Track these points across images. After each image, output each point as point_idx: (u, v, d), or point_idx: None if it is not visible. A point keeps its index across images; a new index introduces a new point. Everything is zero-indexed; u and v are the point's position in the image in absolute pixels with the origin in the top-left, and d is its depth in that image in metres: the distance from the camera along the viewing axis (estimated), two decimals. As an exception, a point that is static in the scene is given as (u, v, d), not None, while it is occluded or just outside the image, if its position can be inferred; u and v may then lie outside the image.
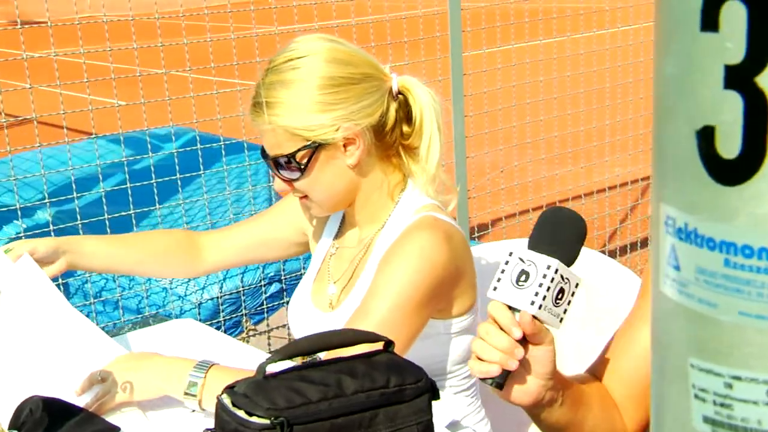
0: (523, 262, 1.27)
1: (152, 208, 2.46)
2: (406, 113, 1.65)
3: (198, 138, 2.58)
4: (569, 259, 1.28)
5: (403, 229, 1.60)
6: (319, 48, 1.58)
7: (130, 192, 2.34)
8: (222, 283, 2.52)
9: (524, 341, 1.27)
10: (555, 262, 1.25)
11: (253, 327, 2.56)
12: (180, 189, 2.55)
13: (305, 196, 1.64)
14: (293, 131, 1.56)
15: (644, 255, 3.50)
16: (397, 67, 2.71)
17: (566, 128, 3.19)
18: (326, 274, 1.75)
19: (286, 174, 1.61)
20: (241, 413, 1.11)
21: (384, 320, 1.47)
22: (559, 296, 1.27)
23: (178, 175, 2.45)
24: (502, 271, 1.28)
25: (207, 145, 2.58)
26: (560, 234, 1.30)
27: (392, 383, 1.15)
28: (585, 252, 2.03)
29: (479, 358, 1.27)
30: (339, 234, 1.78)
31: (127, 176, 2.42)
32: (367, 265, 1.65)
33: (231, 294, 2.54)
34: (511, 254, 1.29)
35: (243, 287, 2.54)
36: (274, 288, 2.58)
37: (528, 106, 2.99)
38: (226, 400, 1.15)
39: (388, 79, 1.62)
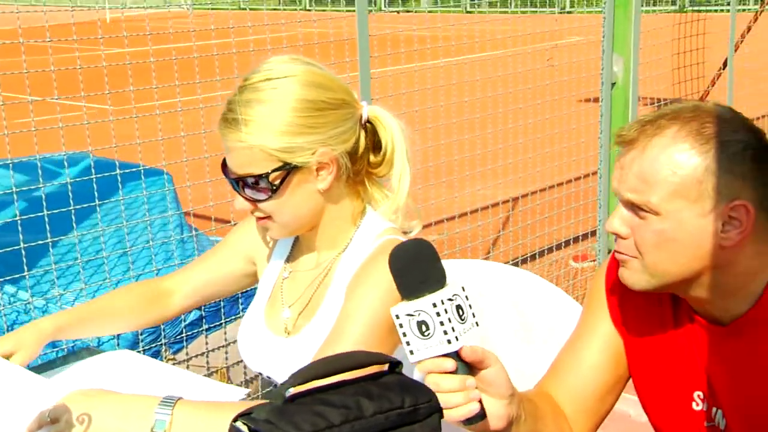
0: (413, 315, 1.27)
1: (68, 236, 2.38)
2: (373, 142, 1.67)
3: (117, 165, 2.52)
4: (441, 280, 1.28)
5: (369, 253, 1.61)
6: (297, 70, 1.58)
7: (46, 219, 2.26)
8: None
9: (470, 371, 1.29)
10: (436, 296, 1.26)
11: (172, 356, 2.51)
12: (98, 214, 2.47)
13: (267, 218, 1.61)
14: (269, 151, 1.54)
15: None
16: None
17: (463, 152, 3.31)
18: (279, 298, 1.73)
19: (251, 194, 1.58)
20: (263, 440, 1.11)
21: (359, 343, 1.48)
22: (460, 312, 1.28)
23: (96, 201, 2.38)
24: (404, 335, 1.28)
25: (126, 171, 2.54)
26: (418, 267, 1.30)
27: (407, 403, 1.17)
28: (509, 270, 2.14)
29: (449, 408, 1.29)
30: (291, 258, 1.76)
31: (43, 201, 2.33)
32: (329, 289, 1.65)
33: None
34: (398, 317, 1.28)
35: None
36: (193, 315, 2.53)
37: (429, 130, 3.09)
38: (244, 427, 1.14)
39: (359, 106, 1.64)
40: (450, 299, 1.28)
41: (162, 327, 2.48)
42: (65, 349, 1.98)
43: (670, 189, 1.34)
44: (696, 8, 4.46)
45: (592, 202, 3.97)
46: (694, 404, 1.50)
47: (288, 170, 1.56)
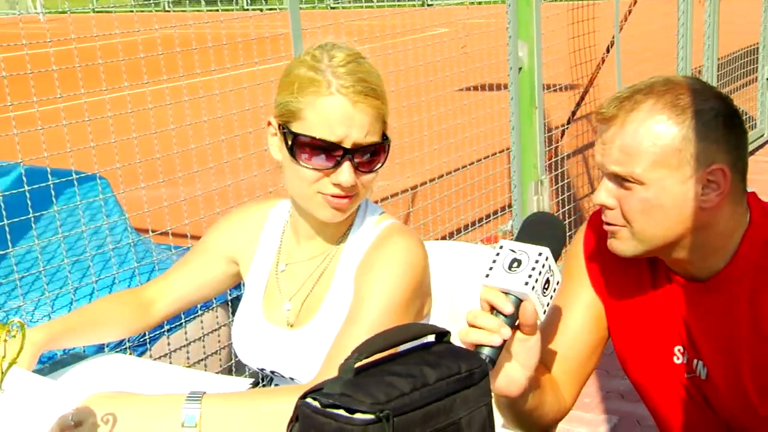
0: (515, 252, 1.38)
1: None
2: None
3: (49, 172, 2.46)
4: (555, 253, 1.40)
5: (372, 240, 1.66)
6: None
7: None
8: (103, 318, 2.42)
9: (512, 326, 1.38)
10: (546, 250, 1.38)
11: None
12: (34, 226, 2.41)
13: (354, 195, 1.60)
14: (386, 121, 1.60)
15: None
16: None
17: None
18: (276, 291, 1.75)
19: (364, 166, 1.59)
20: (341, 412, 1.15)
21: (376, 325, 1.51)
22: (546, 286, 1.39)
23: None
24: (494, 261, 1.39)
25: (59, 180, 2.48)
26: (547, 230, 1.44)
27: (463, 369, 1.23)
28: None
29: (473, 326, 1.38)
30: (282, 251, 1.78)
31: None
32: (334, 279, 1.68)
33: (113, 327, 2.44)
34: (501, 247, 1.39)
35: (125, 319, 2.45)
36: (154, 317, 2.50)
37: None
38: (316, 402, 1.18)
39: None
40: (551, 268, 1.39)
41: (105, 345, 2.45)
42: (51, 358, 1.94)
43: (651, 159, 1.45)
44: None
45: (508, 183, 4.13)
46: (675, 358, 1.61)
47: (387, 142, 1.63)
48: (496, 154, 4.26)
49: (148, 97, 2.48)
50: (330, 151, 1.55)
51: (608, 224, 1.54)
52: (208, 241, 1.87)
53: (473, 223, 4.02)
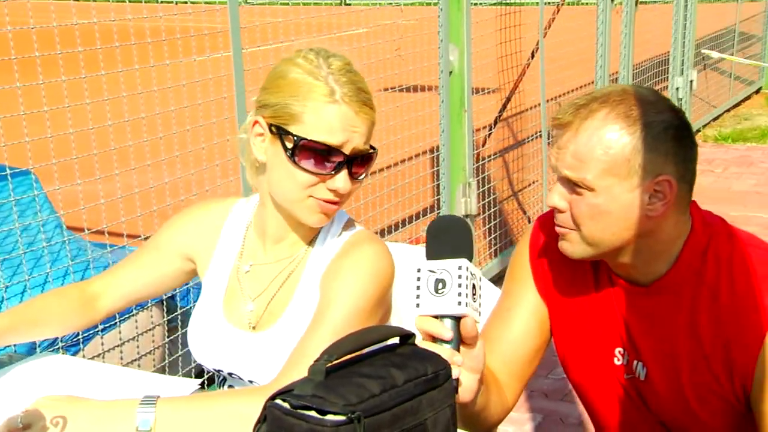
0: (435, 272, 1.36)
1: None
2: None
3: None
4: (469, 255, 1.39)
5: (340, 246, 1.66)
6: None
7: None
8: (36, 316, 2.35)
9: (457, 348, 1.37)
10: (464, 262, 1.36)
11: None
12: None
13: (338, 201, 1.63)
14: (372, 129, 1.63)
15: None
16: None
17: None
18: (238, 292, 1.73)
19: (358, 172, 1.62)
20: (311, 413, 1.16)
21: (340, 330, 1.51)
22: (474, 292, 1.38)
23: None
24: (418, 288, 1.37)
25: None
26: (454, 237, 1.40)
27: (429, 371, 1.25)
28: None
29: None
30: (245, 252, 1.76)
31: None
32: (300, 283, 1.67)
33: (46, 326, 2.37)
34: (419, 270, 1.37)
35: (58, 319, 2.39)
36: (88, 317, 2.45)
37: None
38: (286, 404, 1.18)
39: None
40: (473, 273, 1.37)
41: (37, 344, 2.39)
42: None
43: (602, 167, 1.50)
44: (512, 1, 4.78)
45: (437, 185, 4.18)
46: (615, 359, 1.66)
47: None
48: (426, 153, 4.31)
49: (86, 91, 2.42)
50: (330, 156, 1.57)
51: (559, 226, 1.59)
52: (162, 237, 1.84)
53: (402, 224, 4.05)
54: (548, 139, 5.06)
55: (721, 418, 1.59)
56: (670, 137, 1.52)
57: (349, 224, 1.71)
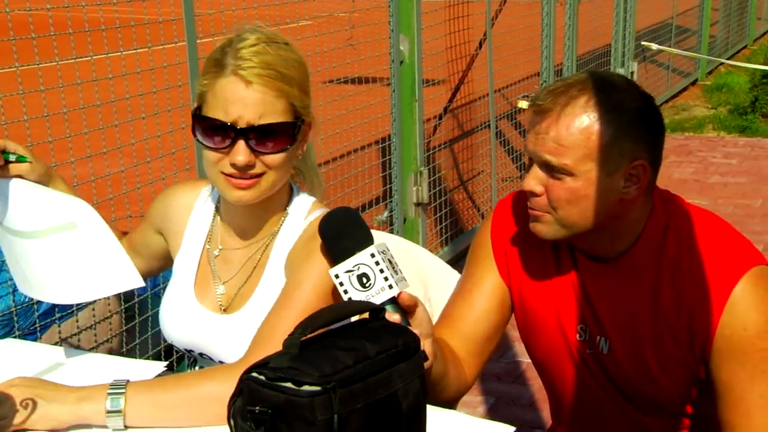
0: (352, 270, 1.43)
1: None
2: None
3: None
4: (370, 239, 1.48)
5: (302, 230, 1.68)
6: (290, 40, 1.64)
7: None
8: (-7, 305, 2.34)
9: (407, 321, 1.44)
10: (372, 248, 1.44)
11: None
12: None
13: (260, 175, 1.60)
14: (296, 103, 1.59)
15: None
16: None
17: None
18: (209, 275, 1.75)
19: (264, 145, 1.57)
20: (288, 385, 1.19)
21: (307, 307, 1.53)
22: (393, 267, 1.45)
23: None
24: (345, 292, 1.44)
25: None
26: (349, 230, 1.49)
27: (400, 343, 1.30)
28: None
29: None
30: (214, 236, 1.77)
31: None
32: (266, 269, 1.69)
33: (3, 315, 2.36)
34: (337, 276, 1.45)
35: (15, 307, 2.37)
36: (45, 305, 2.44)
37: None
38: (262, 377, 1.21)
39: None
40: (383, 252, 1.44)
41: (15, 319, 2.38)
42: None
43: (582, 152, 1.54)
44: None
45: (389, 174, 4.22)
46: (578, 335, 1.71)
47: (300, 126, 1.62)
48: (378, 143, 4.34)
49: (40, 78, 2.41)
50: (225, 131, 1.56)
51: (533, 209, 1.63)
52: (150, 210, 1.89)
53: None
54: (496, 129, 5.14)
55: (684, 387, 1.65)
56: (644, 123, 1.58)
57: (313, 206, 1.74)
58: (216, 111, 1.57)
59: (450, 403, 1.77)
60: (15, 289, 2.41)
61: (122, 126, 2.71)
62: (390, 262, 1.45)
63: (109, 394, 1.46)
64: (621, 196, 1.58)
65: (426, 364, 1.44)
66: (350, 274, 1.42)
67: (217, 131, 1.57)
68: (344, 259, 1.44)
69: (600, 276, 1.68)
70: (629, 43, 7.73)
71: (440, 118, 5.15)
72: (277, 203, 1.72)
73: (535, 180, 1.60)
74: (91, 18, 2.56)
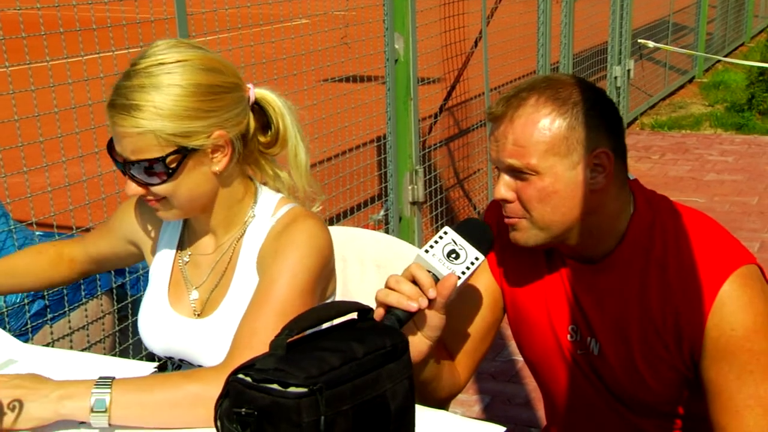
0: (456, 244, 1.52)
1: None
2: (261, 123, 1.72)
3: None
4: (487, 250, 1.58)
5: (274, 223, 1.67)
6: (191, 54, 1.59)
7: None
8: (-16, 306, 2.33)
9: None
10: (482, 258, 1.53)
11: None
12: None
13: (161, 199, 1.62)
14: (166, 136, 1.55)
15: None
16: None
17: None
18: (182, 281, 1.75)
19: (145, 178, 1.58)
20: (274, 386, 1.19)
21: (284, 305, 1.54)
22: (466, 281, 1.53)
23: None
24: (435, 242, 1.51)
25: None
26: (486, 237, 1.58)
27: (388, 344, 1.29)
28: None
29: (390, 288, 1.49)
30: (184, 242, 1.78)
31: None
32: (236, 271, 1.69)
33: (-5, 316, 2.35)
34: (446, 233, 1.53)
35: (7, 307, 2.36)
36: (37, 306, 2.42)
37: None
38: (248, 378, 1.21)
39: (247, 89, 1.68)
40: (474, 270, 1.55)
41: (6, 320, 2.37)
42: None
43: (543, 149, 1.55)
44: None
45: (384, 173, 4.21)
46: (569, 336, 1.71)
47: (184, 154, 1.58)
48: (373, 142, 4.34)
49: (31, 78, 2.40)
50: (118, 163, 1.61)
51: (508, 217, 1.63)
52: (114, 221, 1.89)
53: (351, 212, 4.08)
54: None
55: (674, 388, 1.65)
56: (598, 112, 1.59)
57: (281, 202, 1.72)
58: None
59: (442, 404, 1.76)
60: (6, 290, 2.40)
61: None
62: (468, 278, 1.53)
63: (94, 393, 1.45)
64: (590, 187, 1.58)
65: (413, 358, 1.45)
66: (453, 245, 1.53)
67: (113, 160, 1.63)
68: (465, 239, 1.54)
69: (588, 277, 1.68)
70: (626, 41, 7.72)
71: (436, 116, 5.15)
72: (239, 205, 1.71)
73: (504, 187, 1.61)
74: (82, 17, 2.55)
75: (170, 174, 1.57)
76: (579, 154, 1.56)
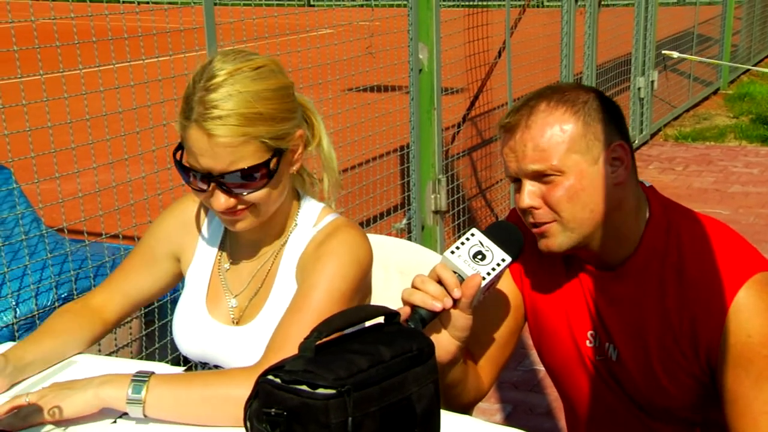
0: (482, 245, 1.54)
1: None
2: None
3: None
4: (517, 254, 1.59)
5: (315, 233, 1.69)
6: (260, 60, 1.61)
7: None
8: (16, 309, 2.37)
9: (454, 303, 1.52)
10: (508, 260, 1.54)
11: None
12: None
13: (249, 207, 1.62)
14: (268, 141, 1.57)
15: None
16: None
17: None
18: (220, 288, 1.76)
19: (241, 187, 1.57)
20: (303, 387, 1.21)
21: (321, 313, 1.54)
22: (490, 285, 1.55)
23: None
24: (462, 243, 1.54)
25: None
26: (514, 239, 1.59)
27: (414, 347, 1.31)
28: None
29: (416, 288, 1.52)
30: (225, 249, 1.79)
31: None
32: (276, 278, 1.70)
33: (26, 319, 2.39)
34: (473, 234, 1.55)
35: (38, 310, 2.40)
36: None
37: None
38: (277, 379, 1.23)
39: None
40: (501, 273, 1.56)
41: (37, 322, 2.41)
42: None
43: (564, 148, 1.59)
44: (480, 3, 4.86)
45: (407, 181, 4.23)
46: (587, 342, 1.73)
47: (280, 156, 1.61)
48: (396, 151, 4.37)
49: (64, 86, 2.45)
50: (202, 177, 1.58)
51: (536, 225, 1.64)
52: (152, 240, 1.84)
53: (373, 220, 4.11)
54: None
55: (692, 394, 1.66)
56: (606, 109, 1.64)
57: (323, 212, 1.75)
58: (190, 158, 1.57)
59: (465, 409, 1.78)
60: (39, 292, 2.45)
61: (143, 133, 2.76)
62: (493, 282, 1.55)
63: (132, 382, 1.49)
64: (613, 180, 1.62)
65: (440, 357, 1.49)
66: (480, 246, 1.54)
67: (195, 176, 1.59)
68: (492, 241, 1.56)
69: (606, 283, 1.70)
70: (650, 52, 7.71)
71: (459, 126, 5.17)
72: (284, 214, 1.73)
73: (529, 195, 1.62)
74: (114, 26, 2.60)
75: (270, 177, 1.60)
76: (598, 149, 1.60)
